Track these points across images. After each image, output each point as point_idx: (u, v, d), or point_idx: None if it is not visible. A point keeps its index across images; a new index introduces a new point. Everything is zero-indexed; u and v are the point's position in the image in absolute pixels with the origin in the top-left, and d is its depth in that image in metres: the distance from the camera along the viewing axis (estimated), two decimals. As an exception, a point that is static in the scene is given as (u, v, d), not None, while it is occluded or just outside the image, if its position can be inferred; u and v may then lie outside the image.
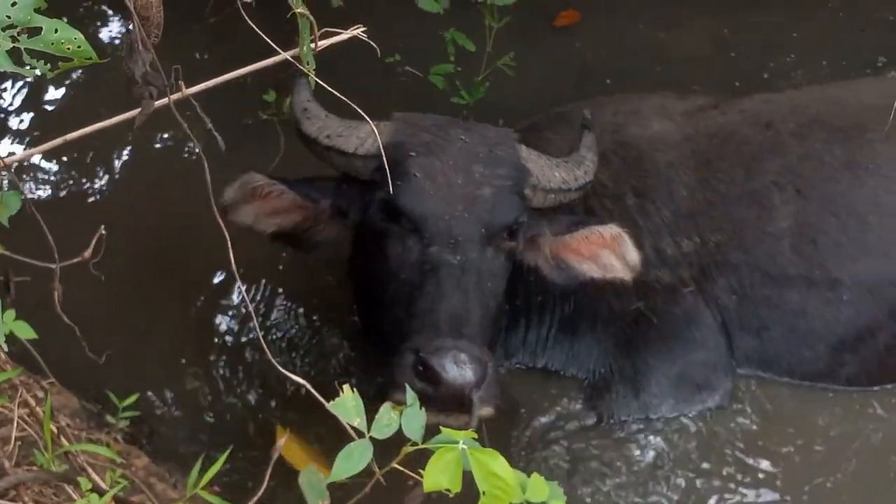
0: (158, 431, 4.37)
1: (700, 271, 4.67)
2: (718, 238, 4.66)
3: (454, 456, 2.88)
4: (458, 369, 3.62)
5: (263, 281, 4.93)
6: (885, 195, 4.63)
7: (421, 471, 2.87)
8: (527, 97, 5.78)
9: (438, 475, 2.87)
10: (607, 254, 4.31)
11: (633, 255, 4.29)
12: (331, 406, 2.97)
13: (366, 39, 3.26)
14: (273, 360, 3.18)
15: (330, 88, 3.21)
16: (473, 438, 2.89)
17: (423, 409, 2.99)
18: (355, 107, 3.36)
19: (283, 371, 3.17)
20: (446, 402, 3.62)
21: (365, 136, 4.06)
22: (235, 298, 4.88)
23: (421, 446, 2.93)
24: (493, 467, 2.91)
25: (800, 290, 4.66)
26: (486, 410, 3.74)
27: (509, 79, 5.68)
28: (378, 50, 3.26)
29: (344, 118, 4.09)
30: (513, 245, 4.14)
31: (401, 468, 2.98)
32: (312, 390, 3.08)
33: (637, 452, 4.56)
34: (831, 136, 4.70)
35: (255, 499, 3.20)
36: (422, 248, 3.94)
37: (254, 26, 3.13)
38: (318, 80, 3.20)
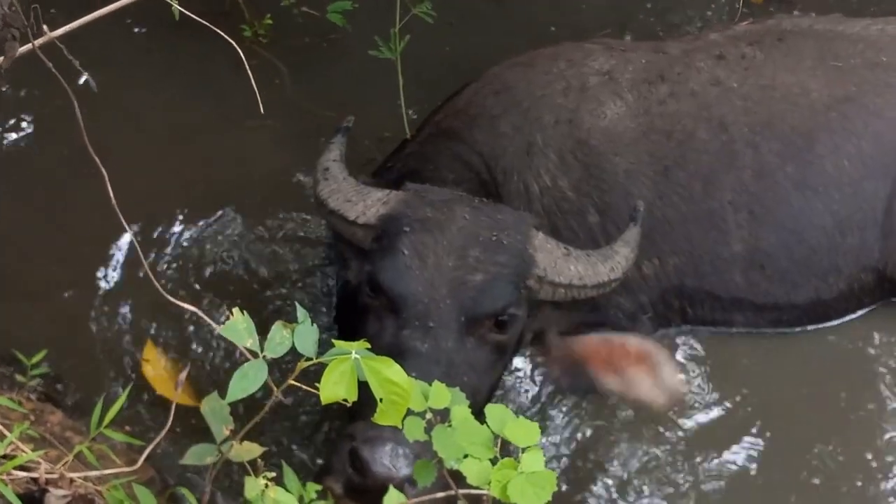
0: (71, 387, 4.33)
1: (659, 296, 4.67)
2: (676, 261, 4.62)
3: (348, 366, 2.87)
4: (388, 463, 3.39)
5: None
6: (829, 217, 4.63)
7: (317, 384, 2.87)
8: (461, 48, 5.71)
9: (334, 387, 2.87)
10: (637, 371, 4.03)
11: (674, 380, 4.03)
12: (222, 329, 2.96)
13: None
14: (158, 286, 3.15)
15: (190, 14, 3.15)
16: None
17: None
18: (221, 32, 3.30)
19: (171, 298, 3.15)
20: (375, 495, 3.27)
21: (370, 205, 3.95)
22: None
23: (315, 361, 2.94)
24: (388, 374, 2.91)
25: (746, 315, 4.72)
26: None
27: (440, 27, 5.30)
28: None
29: (361, 183, 4.06)
30: (501, 338, 3.90)
31: (298, 384, 2.98)
32: (201, 314, 3.07)
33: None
34: (784, 149, 4.62)
35: (164, 433, 3.20)
36: (395, 331, 3.76)
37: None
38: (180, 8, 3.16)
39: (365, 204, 3.98)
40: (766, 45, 4.83)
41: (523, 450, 3.01)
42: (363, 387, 2.87)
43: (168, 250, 4.87)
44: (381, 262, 3.81)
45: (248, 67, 3.38)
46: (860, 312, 4.83)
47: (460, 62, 5.36)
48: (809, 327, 4.79)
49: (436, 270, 3.78)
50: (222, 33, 3.47)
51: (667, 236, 4.59)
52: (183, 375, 3.28)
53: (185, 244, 4.91)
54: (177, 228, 4.96)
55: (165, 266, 4.82)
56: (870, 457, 4.44)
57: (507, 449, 3.03)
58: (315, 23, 5.71)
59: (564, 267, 3.96)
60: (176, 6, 3.19)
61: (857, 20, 5.11)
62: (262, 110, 3.56)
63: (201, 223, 5.00)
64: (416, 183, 4.19)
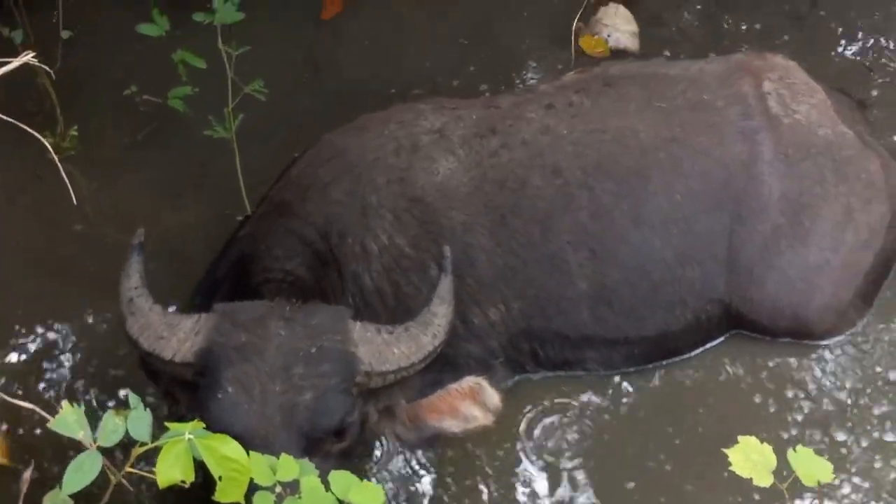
0: None
1: (508, 340, 4.72)
2: (522, 305, 4.67)
3: (182, 447, 2.89)
4: None
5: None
6: (668, 251, 4.73)
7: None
8: (294, 117, 5.76)
9: (170, 469, 2.88)
10: (467, 405, 4.09)
11: (495, 399, 4.08)
12: (51, 424, 2.94)
13: (38, 65, 3.22)
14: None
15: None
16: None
17: None
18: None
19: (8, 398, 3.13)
20: None
21: (183, 339, 3.81)
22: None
23: (151, 445, 2.93)
24: (225, 451, 2.93)
25: (598, 350, 4.80)
26: None
27: (271, 102, 5.44)
28: (52, 73, 3.21)
29: (168, 312, 3.94)
30: (344, 445, 3.88)
31: (135, 471, 2.97)
32: (37, 409, 3.04)
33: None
34: (618, 188, 4.71)
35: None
36: None
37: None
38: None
39: (178, 338, 3.82)
40: (593, 92, 4.95)
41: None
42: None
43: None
44: (208, 402, 3.69)
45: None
46: (710, 345, 4.94)
47: (298, 134, 5.37)
48: (663, 362, 4.89)
49: (264, 401, 3.68)
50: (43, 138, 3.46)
51: (510, 282, 4.65)
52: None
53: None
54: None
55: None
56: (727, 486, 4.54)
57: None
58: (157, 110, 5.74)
59: (388, 353, 3.90)
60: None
61: (678, 62, 5.31)
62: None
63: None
64: (254, 264, 4.24)
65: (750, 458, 3.20)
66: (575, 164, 4.73)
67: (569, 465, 4.62)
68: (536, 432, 4.70)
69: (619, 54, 6.21)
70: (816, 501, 3.53)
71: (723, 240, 4.78)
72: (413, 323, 4.02)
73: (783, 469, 3.27)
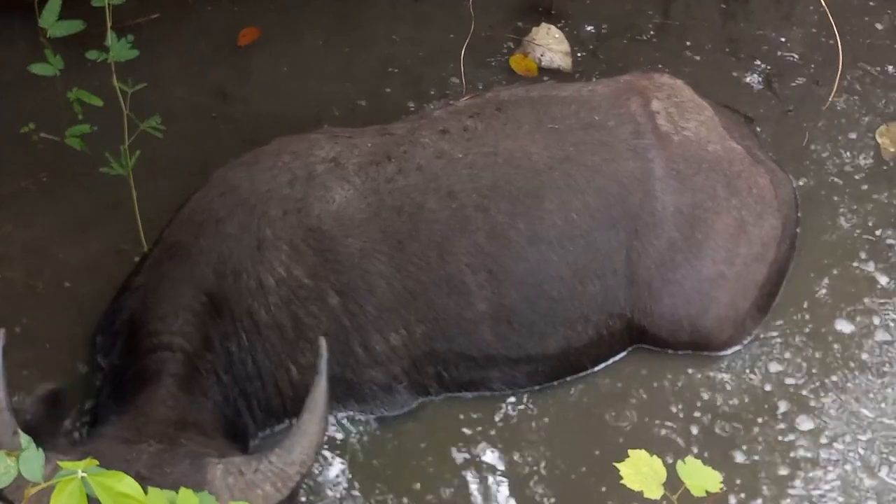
0: None
1: (411, 364, 4.75)
2: (423, 328, 4.71)
3: (76, 485, 2.85)
4: None
5: None
6: (566, 268, 4.80)
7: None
8: (199, 151, 5.74)
9: (64, 508, 2.85)
10: None
11: None
12: (-59, 469, 2.90)
13: None
14: None
15: None
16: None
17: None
18: None
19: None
20: None
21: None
22: None
23: (43, 485, 2.91)
24: (120, 487, 2.90)
25: (502, 370, 4.85)
26: None
27: (177, 136, 5.44)
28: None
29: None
30: None
31: (36, 514, 2.94)
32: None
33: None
34: (514, 208, 4.77)
35: None
36: None
37: None
38: None
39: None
40: (486, 116, 5.02)
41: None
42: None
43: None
44: None
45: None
46: (613, 359, 5.03)
47: (204, 167, 5.34)
48: (567, 378, 4.96)
49: None
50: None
51: (410, 306, 4.69)
52: None
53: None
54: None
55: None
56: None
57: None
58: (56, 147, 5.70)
59: (252, 493, 3.68)
60: None
61: (569, 84, 5.41)
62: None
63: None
64: (141, 328, 4.34)
65: (640, 471, 3.25)
66: (470, 186, 4.79)
67: (487, 482, 4.67)
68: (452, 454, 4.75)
69: (551, 73, 6.32)
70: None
71: (620, 255, 4.87)
72: (281, 447, 3.79)
73: (675, 481, 3.33)
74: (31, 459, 2.95)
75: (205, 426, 4.25)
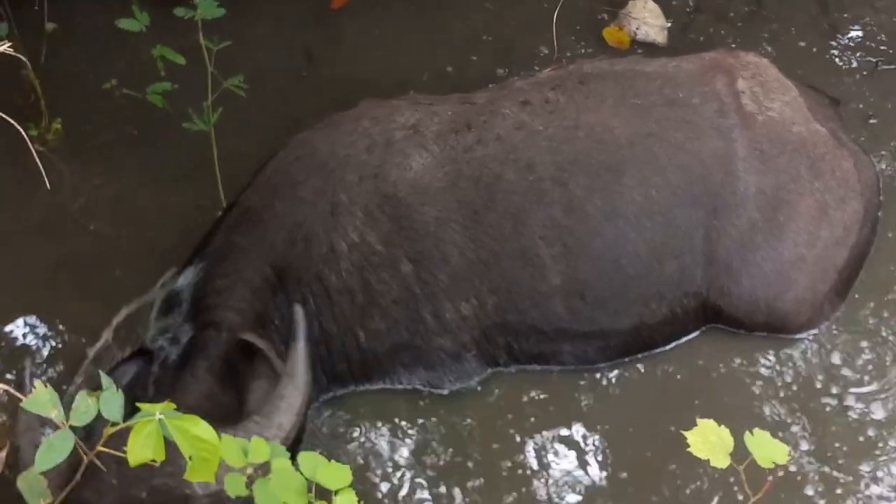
0: None
1: (481, 334, 4.75)
2: (495, 299, 4.70)
3: (153, 427, 2.92)
4: None
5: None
6: (643, 245, 4.76)
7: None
8: (283, 111, 5.77)
9: (142, 449, 2.91)
10: None
11: None
12: (24, 404, 2.98)
13: (16, 55, 3.25)
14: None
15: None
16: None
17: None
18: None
19: None
20: None
21: None
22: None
23: (123, 425, 2.97)
24: (196, 431, 2.96)
25: (573, 344, 4.83)
26: None
27: (262, 95, 5.50)
28: (28, 65, 3.23)
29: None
30: None
31: (106, 449, 3.00)
32: (10, 389, 3.08)
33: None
34: (592, 183, 4.74)
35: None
36: None
37: None
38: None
39: None
40: (568, 89, 4.99)
41: (336, 492, 3.11)
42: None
43: None
44: None
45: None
46: (686, 338, 4.99)
47: (288, 128, 5.34)
48: (638, 355, 4.93)
49: None
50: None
51: (483, 276, 4.69)
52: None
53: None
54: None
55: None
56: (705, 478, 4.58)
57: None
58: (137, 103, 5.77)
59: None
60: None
61: (654, 59, 5.34)
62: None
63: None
64: (200, 301, 4.39)
65: (708, 440, 3.24)
66: (549, 159, 4.76)
67: (558, 455, 4.67)
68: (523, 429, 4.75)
69: (645, 47, 6.27)
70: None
71: (699, 234, 4.83)
72: (258, 417, 3.85)
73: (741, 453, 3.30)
74: (111, 400, 3.02)
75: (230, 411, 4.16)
